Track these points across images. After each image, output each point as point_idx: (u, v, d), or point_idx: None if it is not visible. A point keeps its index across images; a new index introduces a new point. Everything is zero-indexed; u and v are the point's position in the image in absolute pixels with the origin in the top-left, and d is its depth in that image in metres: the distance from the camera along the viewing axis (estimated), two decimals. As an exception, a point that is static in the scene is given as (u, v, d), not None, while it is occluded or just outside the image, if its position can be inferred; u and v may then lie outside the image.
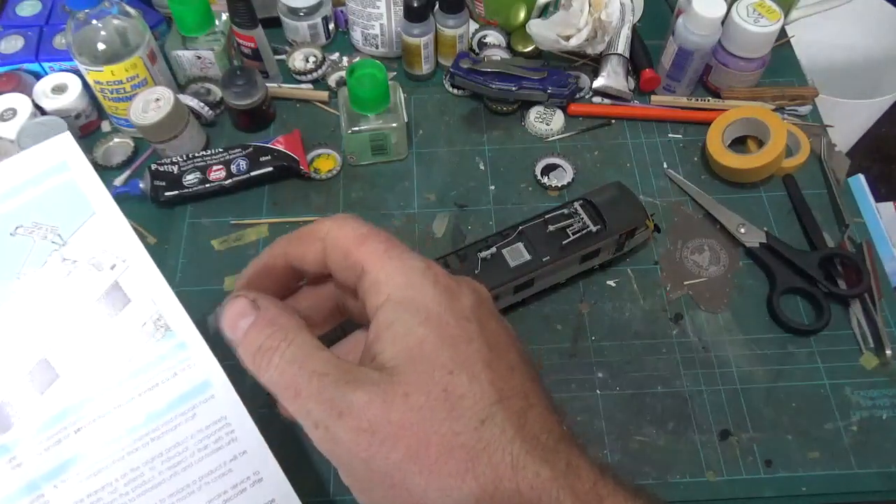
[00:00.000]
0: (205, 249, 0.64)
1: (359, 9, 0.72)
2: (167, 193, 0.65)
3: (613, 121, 0.72)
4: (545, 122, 0.72)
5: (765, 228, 0.64)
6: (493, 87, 0.69)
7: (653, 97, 0.74)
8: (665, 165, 0.69)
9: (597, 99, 0.74)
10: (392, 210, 0.66)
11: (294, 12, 0.75)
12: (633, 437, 0.54)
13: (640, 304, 0.61)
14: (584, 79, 0.74)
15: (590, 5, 0.68)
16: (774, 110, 0.70)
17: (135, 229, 0.67)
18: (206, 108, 0.70)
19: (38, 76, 0.72)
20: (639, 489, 0.26)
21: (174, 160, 0.66)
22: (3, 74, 0.70)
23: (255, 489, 0.30)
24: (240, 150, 0.67)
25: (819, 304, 0.59)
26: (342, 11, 0.78)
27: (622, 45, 0.73)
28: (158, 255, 0.63)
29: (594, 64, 0.75)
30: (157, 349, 0.30)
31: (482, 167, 0.69)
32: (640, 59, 0.74)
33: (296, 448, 0.47)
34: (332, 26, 0.78)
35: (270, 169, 0.66)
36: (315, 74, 0.75)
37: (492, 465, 0.23)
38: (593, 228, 0.57)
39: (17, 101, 0.67)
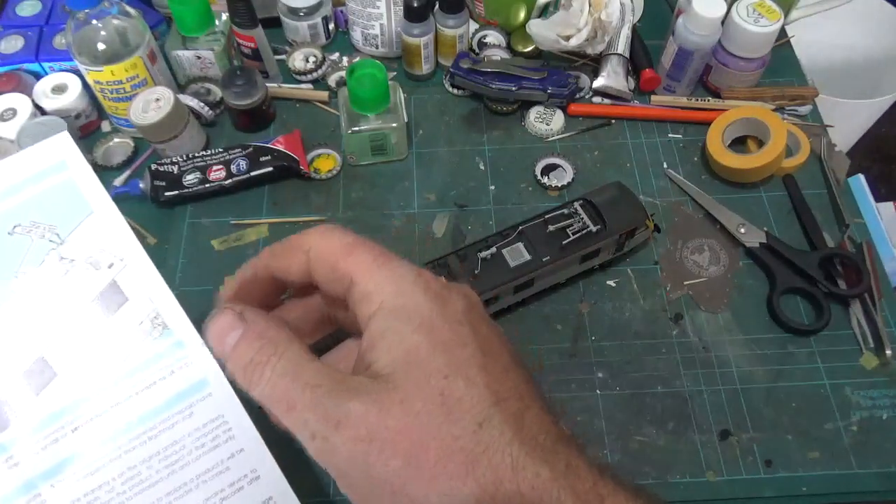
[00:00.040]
0: (205, 249, 0.64)
1: (359, 9, 0.72)
2: (167, 193, 0.65)
3: (613, 121, 0.73)
4: (545, 122, 0.72)
5: (765, 228, 0.64)
6: (493, 87, 0.69)
7: (653, 97, 0.74)
8: (665, 165, 0.69)
9: (597, 99, 0.74)
10: (392, 210, 0.66)
11: (294, 12, 0.75)
12: (633, 437, 0.54)
13: (640, 304, 0.61)
14: (584, 79, 0.74)
15: (590, 5, 0.68)
16: (774, 110, 0.70)
17: (135, 229, 0.67)
18: (206, 108, 0.70)
19: (38, 76, 0.72)
20: (639, 489, 0.26)
21: (174, 160, 0.66)
22: (3, 74, 0.70)
23: (253, 487, 0.30)
24: (240, 150, 0.67)
25: (819, 304, 0.59)
26: (342, 11, 0.78)
27: (622, 45, 0.73)
28: (158, 255, 0.63)
29: (594, 64, 0.75)
30: (155, 347, 0.30)
31: (482, 167, 0.69)
32: (640, 59, 0.74)
33: (293, 446, 0.47)
34: (332, 26, 0.78)
35: (270, 169, 0.66)
36: (315, 74, 0.75)
37: (492, 467, 0.23)
38: (593, 228, 0.57)
39: (17, 101, 0.67)
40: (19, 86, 0.69)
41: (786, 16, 0.76)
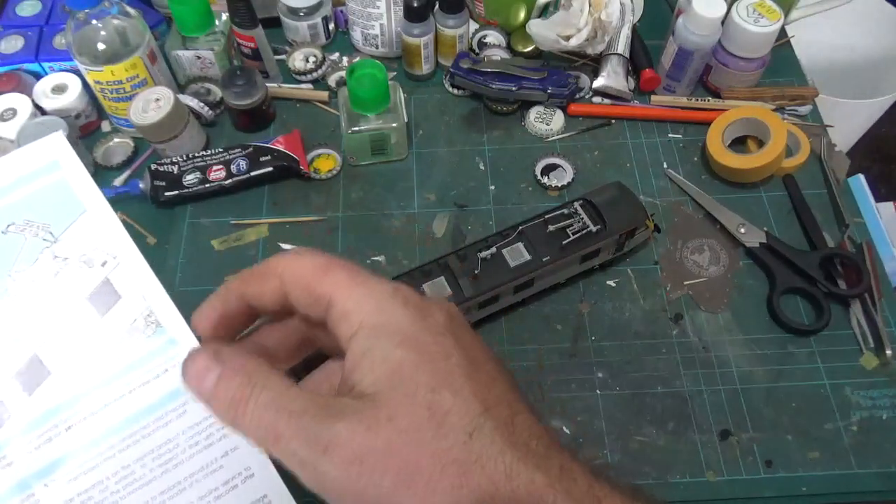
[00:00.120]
0: (205, 249, 0.64)
1: (359, 9, 0.72)
2: (167, 193, 0.65)
3: (613, 121, 0.72)
4: (545, 122, 0.72)
5: (765, 228, 0.64)
6: (493, 87, 0.69)
7: (653, 97, 0.74)
8: (665, 165, 0.69)
9: (597, 99, 0.74)
10: (392, 210, 0.66)
11: (294, 12, 0.75)
12: (633, 437, 0.54)
13: (640, 304, 0.61)
14: (584, 79, 0.74)
15: (590, 5, 0.68)
16: (774, 110, 0.70)
17: (135, 229, 0.67)
18: (206, 108, 0.70)
19: (38, 76, 0.72)
20: (636, 490, 0.26)
21: (174, 160, 0.66)
22: (3, 74, 0.70)
23: (247, 485, 0.30)
24: (240, 150, 0.67)
25: (819, 304, 0.59)
26: (342, 11, 0.78)
27: (622, 45, 0.73)
28: (158, 255, 0.63)
29: (594, 64, 0.75)
30: (148, 345, 0.30)
31: (482, 167, 0.69)
32: (640, 59, 0.74)
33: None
34: (332, 26, 0.78)
35: (270, 169, 0.66)
36: (315, 74, 0.75)
37: (485, 475, 0.23)
38: (593, 228, 0.57)
39: (17, 101, 0.67)
40: (19, 86, 0.69)
41: (786, 16, 0.76)
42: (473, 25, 0.78)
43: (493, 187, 0.68)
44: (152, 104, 0.64)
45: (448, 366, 0.25)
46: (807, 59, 0.81)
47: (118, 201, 0.66)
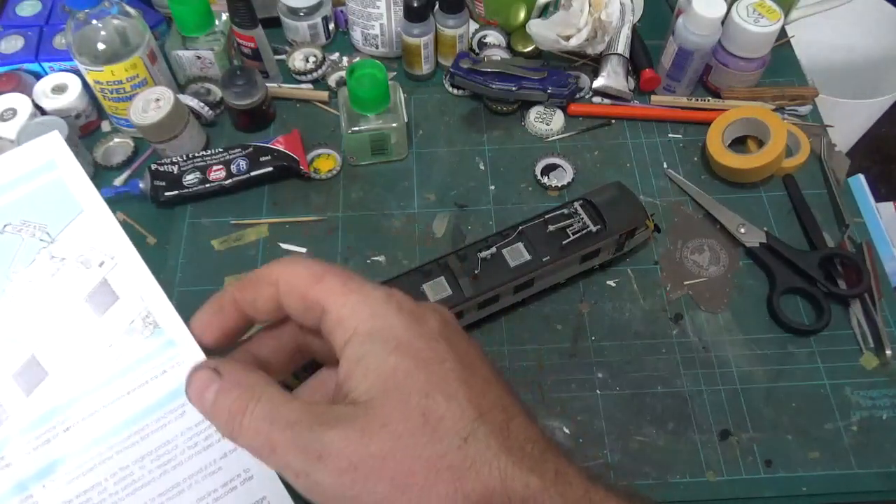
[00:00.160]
0: (205, 249, 0.64)
1: (359, 9, 0.72)
2: (167, 193, 0.65)
3: (613, 121, 0.72)
4: (545, 122, 0.72)
5: (765, 228, 0.64)
6: (493, 87, 0.69)
7: (653, 97, 0.74)
8: (665, 165, 0.69)
9: (597, 99, 0.74)
10: (392, 210, 0.66)
11: (294, 12, 0.75)
12: (633, 437, 0.54)
13: (640, 304, 0.61)
14: (584, 79, 0.74)
15: (590, 5, 0.68)
16: (774, 110, 0.70)
17: (135, 229, 0.67)
18: (206, 108, 0.70)
19: (38, 76, 0.72)
20: (632, 493, 0.26)
21: (174, 160, 0.66)
22: (3, 74, 0.70)
23: (246, 487, 0.30)
24: (240, 150, 0.67)
25: (819, 304, 0.59)
26: (342, 11, 0.78)
27: (622, 45, 0.73)
28: (158, 255, 0.63)
29: (594, 64, 0.75)
30: (146, 347, 0.30)
31: (482, 167, 0.69)
32: (640, 59, 0.74)
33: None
34: (332, 26, 0.78)
35: (270, 169, 0.66)
36: (315, 74, 0.75)
37: (480, 480, 0.23)
38: (593, 228, 0.57)
39: (17, 101, 0.67)
40: (19, 86, 0.69)
41: (786, 16, 0.76)
42: (473, 25, 0.78)
43: (493, 187, 0.68)
44: (152, 104, 0.64)
45: (442, 371, 0.25)
46: (807, 59, 0.81)
47: (118, 201, 0.66)
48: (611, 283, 0.62)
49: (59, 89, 0.69)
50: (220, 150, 0.67)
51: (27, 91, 0.68)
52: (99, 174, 0.68)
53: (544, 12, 0.73)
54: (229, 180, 0.65)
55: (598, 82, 0.73)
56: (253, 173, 0.66)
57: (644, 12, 0.81)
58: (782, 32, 0.77)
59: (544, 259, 0.56)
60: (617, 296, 0.61)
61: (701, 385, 0.56)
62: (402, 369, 0.25)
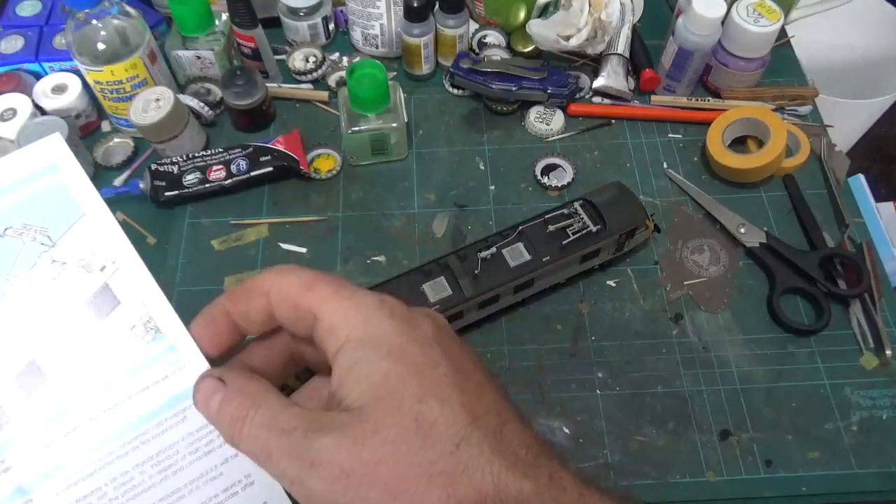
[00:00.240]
0: (205, 249, 0.64)
1: (359, 9, 0.72)
2: (167, 193, 0.65)
3: (613, 121, 0.72)
4: (545, 122, 0.72)
5: (765, 228, 0.64)
6: (493, 87, 0.69)
7: (653, 97, 0.74)
8: (665, 165, 0.69)
9: (597, 99, 0.74)
10: (392, 210, 0.66)
11: (294, 12, 0.75)
12: (633, 437, 0.54)
13: (640, 304, 0.61)
14: (584, 79, 0.74)
15: (590, 5, 0.68)
16: (774, 110, 0.70)
17: (135, 229, 0.67)
18: (206, 108, 0.70)
19: (38, 76, 0.72)
20: (626, 496, 0.26)
21: (174, 160, 0.66)
22: (3, 74, 0.70)
23: (247, 492, 0.30)
24: (240, 150, 0.67)
25: (819, 304, 0.59)
26: (342, 11, 0.78)
27: (622, 45, 0.73)
28: (158, 255, 0.63)
29: (594, 64, 0.75)
30: (147, 351, 0.30)
31: (482, 167, 0.69)
32: (640, 59, 0.74)
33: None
34: (332, 26, 0.78)
35: (270, 169, 0.66)
36: (315, 74, 0.75)
37: (473, 486, 0.23)
38: (593, 228, 0.57)
39: (17, 101, 0.67)
40: (19, 86, 0.69)
41: (786, 16, 0.76)
42: (473, 25, 0.78)
43: (493, 187, 0.68)
44: (152, 104, 0.64)
45: (435, 376, 0.25)
46: (807, 59, 0.81)
47: (118, 201, 0.66)
48: (611, 283, 0.62)
49: (59, 89, 0.69)
50: (220, 150, 0.67)
51: (27, 91, 0.68)
52: (99, 174, 0.68)
53: (544, 12, 0.73)
54: (229, 180, 0.65)
55: (598, 82, 0.73)
56: (253, 173, 0.66)
57: (644, 12, 0.81)
58: (782, 32, 0.77)
59: (544, 259, 0.56)
60: (617, 296, 0.61)
61: (701, 385, 0.56)
62: (395, 375, 0.25)
